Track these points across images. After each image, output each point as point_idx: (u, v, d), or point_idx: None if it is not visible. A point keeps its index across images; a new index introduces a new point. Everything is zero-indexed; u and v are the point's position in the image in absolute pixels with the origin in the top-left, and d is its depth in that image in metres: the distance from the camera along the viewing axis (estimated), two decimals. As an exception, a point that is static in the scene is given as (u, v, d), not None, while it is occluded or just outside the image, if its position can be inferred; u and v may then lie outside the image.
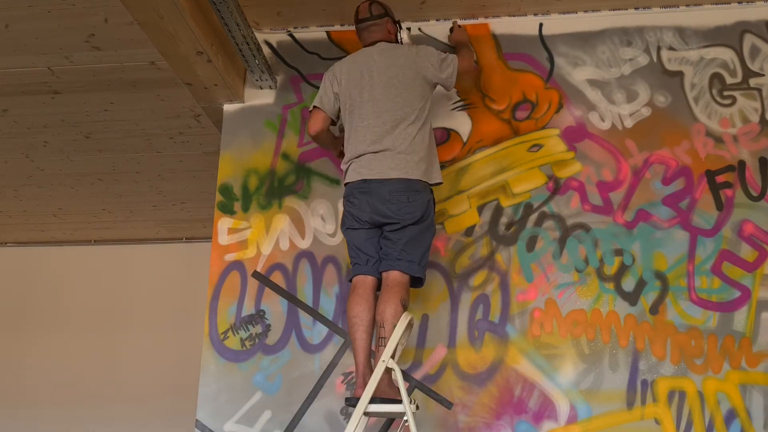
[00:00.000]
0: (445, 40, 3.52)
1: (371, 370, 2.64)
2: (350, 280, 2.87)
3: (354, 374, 2.89)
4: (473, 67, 3.23)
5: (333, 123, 3.09)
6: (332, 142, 3.19)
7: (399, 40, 3.17)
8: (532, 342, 3.09)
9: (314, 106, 3.07)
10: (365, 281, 2.80)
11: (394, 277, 2.76)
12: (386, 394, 2.62)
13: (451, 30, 3.41)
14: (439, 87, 3.07)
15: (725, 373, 2.97)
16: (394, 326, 2.61)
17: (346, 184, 2.92)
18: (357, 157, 2.87)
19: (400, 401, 2.54)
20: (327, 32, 3.60)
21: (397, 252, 2.77)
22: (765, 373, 2.96)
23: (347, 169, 2.92)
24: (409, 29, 3.49)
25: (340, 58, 3.15)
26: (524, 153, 3.34)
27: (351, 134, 2.93)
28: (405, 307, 2.69)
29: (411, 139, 2.84)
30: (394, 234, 2.79)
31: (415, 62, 2.96)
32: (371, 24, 3.09)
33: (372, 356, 2.74)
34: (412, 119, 2.87)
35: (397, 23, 3.18)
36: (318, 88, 3.29)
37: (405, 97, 2.89)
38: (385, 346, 2.58)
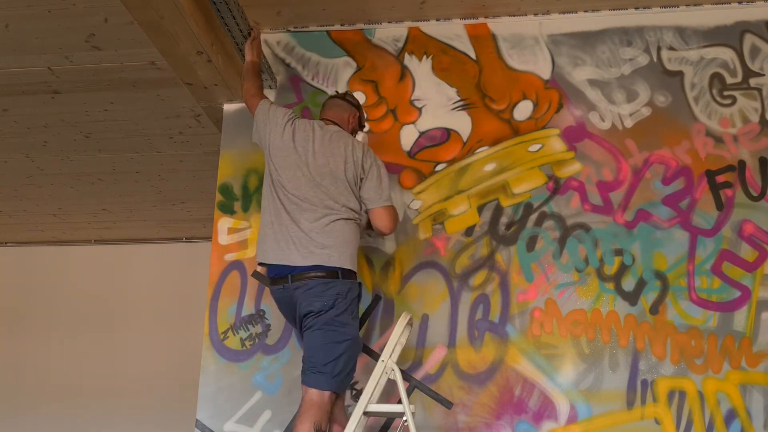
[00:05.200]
0: (446, 40, 3.52)
1: None
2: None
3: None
4: None
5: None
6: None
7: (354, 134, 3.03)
8: (532, 342, 3.09)
9: (263, 109, 2.94)
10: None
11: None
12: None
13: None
14: None
15: (725, 373, 2.97)
16: None
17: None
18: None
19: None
20: (327, 32, 3.60)
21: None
22: (765, 373, 2.96)
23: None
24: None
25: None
26: (524, 153, 3.34)
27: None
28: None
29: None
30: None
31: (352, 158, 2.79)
32: (339, 104, 2.99)
33: None
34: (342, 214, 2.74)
35: (362, 127, 3.09)
36: (318, 88, 3.30)
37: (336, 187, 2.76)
38: None
